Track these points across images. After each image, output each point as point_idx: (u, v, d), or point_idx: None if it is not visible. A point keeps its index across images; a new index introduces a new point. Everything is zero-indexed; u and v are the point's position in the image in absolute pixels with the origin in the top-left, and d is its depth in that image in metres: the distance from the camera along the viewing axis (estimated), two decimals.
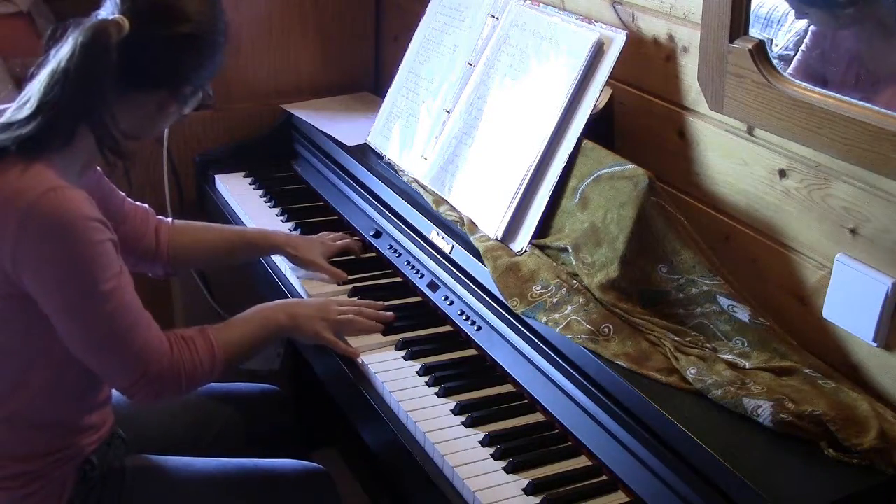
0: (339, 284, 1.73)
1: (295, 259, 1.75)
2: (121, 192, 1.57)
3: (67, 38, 1.23)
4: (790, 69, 1.31)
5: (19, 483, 1.31)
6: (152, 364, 1.29)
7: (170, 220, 1.68)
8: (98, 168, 1.47)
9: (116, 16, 1.25)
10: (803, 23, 1.37)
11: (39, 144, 1.23)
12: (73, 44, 1.22)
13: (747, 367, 1.26)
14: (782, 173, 1.37)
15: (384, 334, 1.57)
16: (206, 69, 1.36)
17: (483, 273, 1.55)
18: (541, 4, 1.73)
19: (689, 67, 1.50)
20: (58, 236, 1.20)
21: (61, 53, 1.23)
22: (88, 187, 1.33)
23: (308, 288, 1.72)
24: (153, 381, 1.30)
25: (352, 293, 1.69)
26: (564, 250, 1.50)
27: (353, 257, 1.84)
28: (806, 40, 1.31)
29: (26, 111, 1.24)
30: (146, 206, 1.65)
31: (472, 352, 1.54)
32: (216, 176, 2.21)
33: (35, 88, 1.24)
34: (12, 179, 1.21)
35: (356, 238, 1.86)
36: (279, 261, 1.83)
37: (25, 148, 1.22)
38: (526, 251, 1.55)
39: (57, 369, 1.30)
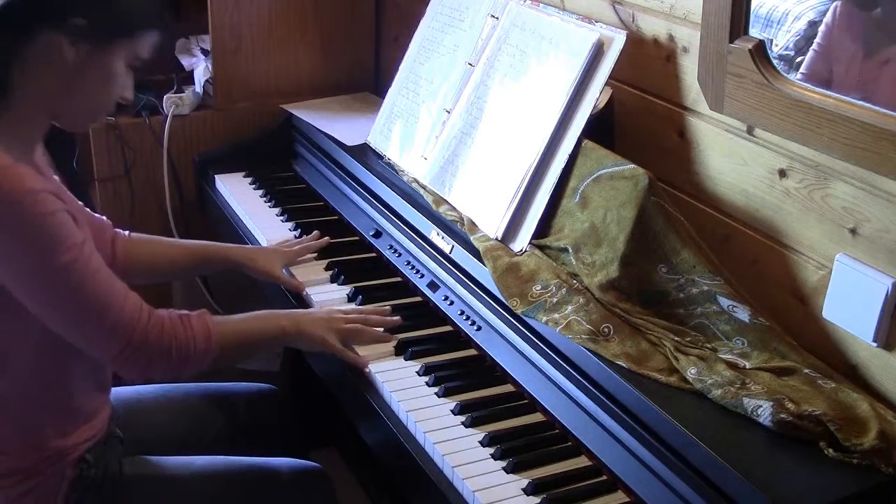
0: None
1: (253, 272, 1.73)
2: (79, 202, 1.48)
3: None
4: (802, 69, 1.30)
5: (14, 481, 1.31)
6: (134, 333, 1.26)
7: (126, 232, 1.65)
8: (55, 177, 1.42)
9: None
10: (804, 23, 1.37)
11: None
12: None
13: (747, 367, 1.26)
14: (782, 173, 1.37)
15: (384, 334, 1.57)
16: None
17: (483, 273, 1.55)
18: (541, 4, 1.73)
19: (689, 67, 1.50)
20: (6, 215, 1.17)
21: None
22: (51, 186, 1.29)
23: (309, 291, 1.72)
24: (139, 351, 1.27)
25: (353, 293, 1.69)
26: (564, 250, 1.50)
27: (353, 257, 1.84)
28: (817, 38, 1.30)
29: None
30: (104, 217, 1.61)
31: (472, 352, 1.54)
32: (216, 176, 2.21)
33: None
34: None
35: (315, 234, 1.86)
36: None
37: None
38: (526, 251, 1.55)
39: (35, 354, 1.28)
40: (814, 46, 1.31)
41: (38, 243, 1.19)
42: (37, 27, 1.21)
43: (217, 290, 2.41)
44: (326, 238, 1.85)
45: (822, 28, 1.30)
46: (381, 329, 1.55)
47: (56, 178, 1.39)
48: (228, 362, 1.41)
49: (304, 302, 1.73)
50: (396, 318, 1.58)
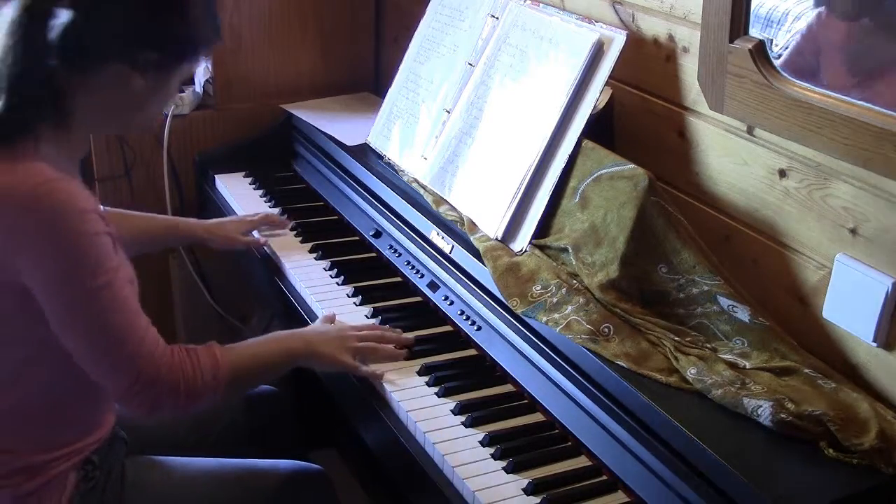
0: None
1: (214, 243, 1.82)
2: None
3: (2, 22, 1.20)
4: (780, 62, 1.30)
5: (20, 480, 1.31)
6: (148, 368, 1.24)
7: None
8: None
9: None
10: (804, 23, 1.37)
11: (17, 131, 1.20)
12: (6, 24, 1.20)
13: (747, 367, 1.26)
14: (782, 173, 1.37)
15: None
16: (168, 30, 1.26)
17: (483, 273, 1.55)
18: (541, 4, 1.73)
19: (689, 67, 1.50)
20: (53, 229, 1.18)
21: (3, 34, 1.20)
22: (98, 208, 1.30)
23: (309, 291, 1.72)
24: (148, 388, 1.25)
25: (353, 293, 1.69)
26: (564, 250, 1.50)
27: (353, 257, 1.84)
28: (802, 30, 1.30)
29: None
30: None
31: (472, 352, 1.54)
32: (216, 176, 2.21)
33: None
34: (7, 171, 1.19)
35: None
36: (278, 260, 1.83)
37: (5, 137, 1.20)
38: (526, 251, 1.55)
39: (58, 363, 1.28)
40: (797, 37, 1.30)
41: (76, 260, 1.19)
42: (107, 61, 1.23)
43: (217, 291, 2.41)
44: (290, 222, 1.93)
45: (804, 28, 1.30)
46: (397, 349, 1.52)
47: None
48: (242, 391, 1.38)
49: (282, 273, 1.80)
50: (411, 337, 1.55)
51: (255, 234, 1.90)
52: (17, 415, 1.32)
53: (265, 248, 1.89)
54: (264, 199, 2.10)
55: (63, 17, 1.20)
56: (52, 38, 1.19)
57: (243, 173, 2.23)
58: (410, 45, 2.02)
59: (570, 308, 1.39)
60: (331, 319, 1.57)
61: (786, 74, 1.30)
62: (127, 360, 1.24)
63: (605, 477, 1.26)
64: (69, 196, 1.19)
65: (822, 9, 1.29)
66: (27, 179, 1.18)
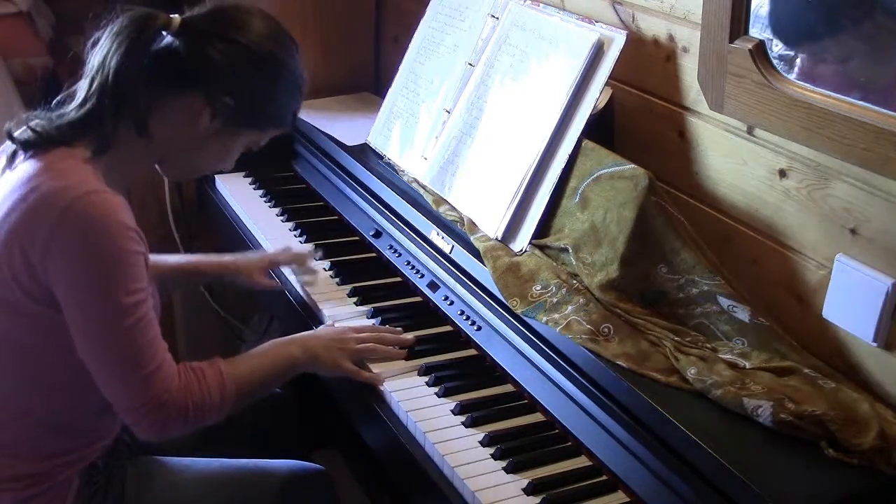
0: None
1: (237, 282, 1.74)
2: None
3: (113, 30, 1.27)
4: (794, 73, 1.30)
5: (24, 484, 1.31)
6: (161, 391, 1.24)
7: None
8: None
9: (174, 16, 1.29)
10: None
11: (84, 137, 1.25)
12: (114, 32, 1.27)
13: (747, 367, 1.26)
14: (782, 173, 1.37)
15: None
16: (252, 88, 1.33)
17: (483, 273, 1.55)
18: (541, 4, 1.73)
19: (689, 67, 1.50)
20: (91, 238, 1.18)
21: (103, 45, 1.27)
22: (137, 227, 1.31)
23: (310, 290, 1.72)
24: (158, 410, 1.25)
25: (351, 293, 1.70)
26: (564, 250, 1.50)
27: (353, 257, 1.84)
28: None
29: (75, 102, 1.28)
30: None
31: (472, 352, 1.54)
32: (216, 176, 2.21)
33: (83, 80, 1.28)
34: (56, 176, 1.21)
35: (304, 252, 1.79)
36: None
37: (70, 141, 1.25)
38: (526, 251, 1.55)
39: (75, 372, 1.27)
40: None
41: (111, 276, 1.19)
42: (192, 87, 1.30)
43: (217, 291, 2.41)
44: (310, 248, 1.83)
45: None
46: (396, 349, 1.52)
47: None
48: (246, 404, 1.37)
49: (282, 274, 1.76)
50: (411, 337, 1.55)
51: (288, 271, 1.80)
52: (23, 423, 1.31)
53: (264, 248, 1.89)
54: (264, 199, 2.11)
55: (167, 40, 1.29)
56: (151, 55, 1.27)
57: (243, 173, 2.23)
58: (410, 45, 2.02)
59: (570, 308, 1.39)
60: (331, 326, 1.57)
61: (787, 75, 1.30)
62: (140, 383, 1.23)
63: (605, 477, 1.26)
64: (112, 209, 1.20)
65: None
66: (77, 186, 1.20)
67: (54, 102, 1.32)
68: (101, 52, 1.27)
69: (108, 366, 1.24)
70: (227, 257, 1.75)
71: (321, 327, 1.56)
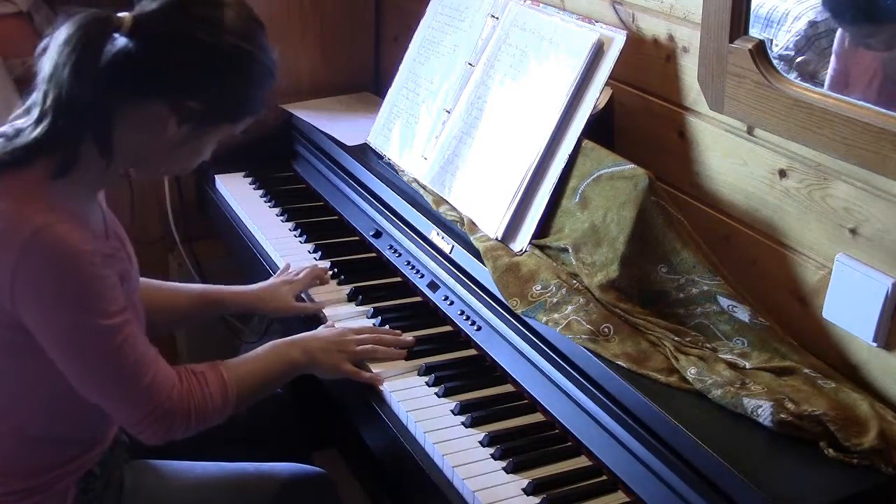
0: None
1: (267, 311, 1.69)
2: (127, 245, 1.44)
3: (60, 39, 1.16)
4: (825, 87, 1.29)
5: (20, 497, 1.30)
6: (162, 399, 1.24)
7: None
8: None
9: (124, 14, 1.18)
10: (804, 23, 1.37)
11: (42, 157, 1.18)
12: (62, 41, 1.16)
13: (747, 367, 1.26)
14: (782, 173, 1.37)
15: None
16: (220, 89, 1.23)
17: (483, 273, 1.55)
18: (541, 4, 1.73)
19: (689, 67, 1.50)
20: (57, 273, 1.15)
21: (51, 55, 1.17)
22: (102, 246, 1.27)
23: (310, 290, 1.72)
24: (162, 418, 1.25)
25: (352, 293, 1.69)
26: (564, 250, 1.50)
27: (353, 257, 1.84)
28: (831, 63, 1.29)
29: (31, 119, 1.20)
30: None
31: (472, 352, 1.54)
32: (216, 176, 2.21)
33: (36, 92, 1.20)
34: (13, 207, 1.15)
35: (321, 267, 1.77)
36: (278, 260, 1.83)
37: (26, 162, 1.18)
38: (526, 251, 1.55)
39: (58, 388, 1.26)
40: (829, 72, 1.30)
41: (85, 306, 1.17)
42: (153, 95, 1.21)
43: None
44: (325, 265, 1.79)
45: (832, 57, 1.29)
46: (396, 350, 1.51)
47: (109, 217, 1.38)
48: (246, 406, 1.37)
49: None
50: (410, 338, 1.54)
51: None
52: (16, 438, 1.30)
53: (264, 248, 1.90)
54: (264, 199, 2.10)
55: (120, 42, 1.18)
56: (105, 63, 1.17)
57: (243, 173, 2.23)
58: (410, 45, 2.02)
59: (570, 308, 1.39)
60: (331, 327, 1.56)
61: (786, 75, 1.30)
62: (140, 395, 1.23)
63: (605, 477, 1.26)
64: (68, 241, 1.15)
65: (841, 35, 1.28)
66: (36, 217, 1.14)
67: (12, 117, 1.23)
68: (49, 63, 1.17)
69: (102, 388, 1.24)
70: (251, 288, 1.69)
71: (320, 328, 1.55)
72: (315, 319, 1.65)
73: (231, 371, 1.34)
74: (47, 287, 1.16)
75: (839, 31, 1.29)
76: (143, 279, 1.57)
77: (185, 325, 1.75)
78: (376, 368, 1.48)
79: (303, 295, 1.73)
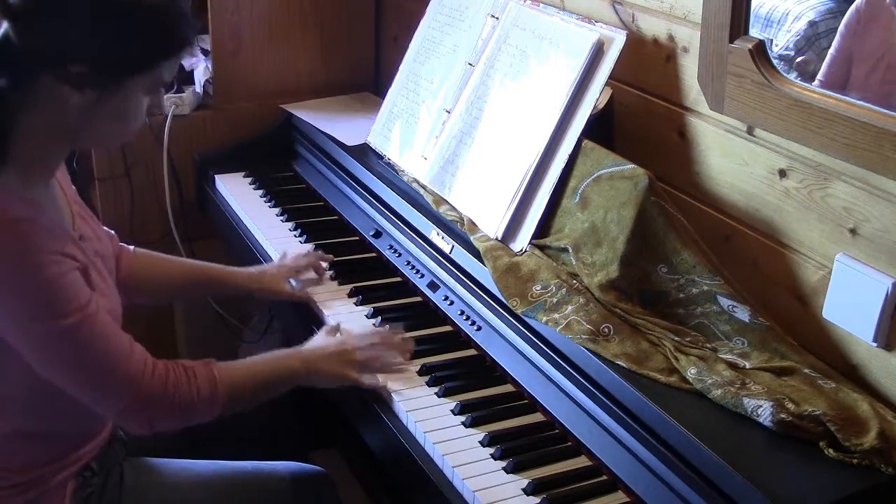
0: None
1: (259, 293, 1.69)
2: (95, 220, 1.44)
3: None
4: (820, 76, 1.29)
5: (18, 491, 1.30)
6: (138, 389, 1.23)
7: (131, 248, 1.59)
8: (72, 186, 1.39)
9: None
10: (804, 23, 1.37)
11: None
12: None
13: (747, 367, 1.26)
14: (782, 173, 1.37)
15: None
16: (95, 41, 1.15)
17: (483, 273, 1.55)
18: (541, 4, 1.73)
19: (689, 67, 1.50)
20: (11, 277, 1.14)
21: None
22: (59, 207, 1.26)
23: (310, 290, 1.72)
24: (143, 407, 1.24)
25: (352, 293, 1.69)
26: (564, 250, 1.50)
27: (353, 256, 1.84)
28: (834, 43, 1.28)
29: None
30: (112, 231, 1.54)
31: (472, 352, 1.54)
32: (216, 176, 2.21)
33: None
34: None
35: (319, 252, 1.77)
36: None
37: None
38: (526, 251, 1.55)
39: (37, 385, 1.25)
40: (831, 51, 1.29)
41: (45, 307, 1.16)
42: (35, 75, 1.15)
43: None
44: (330, 255, 1.79)
45: (837, 36, 1.29)
46: (400, 357, 1.49)
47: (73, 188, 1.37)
48: (240, 409, 1.36)
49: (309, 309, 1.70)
50: (411, 343, 1.50)
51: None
52: (11, 437, 1.30)
53: (264, 248, 1.90)
54: (264, 199, 2.10)
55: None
56: None
57: (243, 173, 2.23)
58: (410, 45, 2.02)
59: (570, 308, 1.39)
60: (334, 331, 1.53)
61: (786, 75, 1.30)
62: (116, 385, 1.23)
63: (605, 477, 1.26)
64: (26, 241, 1.14)
65: (855, 12, 1.28)
66: None
67: None
68: None
69: (78, 382, 1.23)
70: (245, 269, 1.70)
71: (321, 333, 1.52)
72: (315, 320, 1.65)
73: (224, 371, 1.33)
74: (8, 292, 1.15)
75: (855, 4, 1.27)
76: (140, 249, 1.60)
77: (179, 298, 1.74)
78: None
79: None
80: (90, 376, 1.22)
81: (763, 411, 1.16)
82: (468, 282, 1.58)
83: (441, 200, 1.76)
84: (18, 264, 1.14)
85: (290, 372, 1.41)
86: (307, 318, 1.67)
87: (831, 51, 1.29)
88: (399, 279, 1.76)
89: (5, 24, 1.13)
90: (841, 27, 1.29)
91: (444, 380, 1.45)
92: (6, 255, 1.14)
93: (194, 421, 1.30)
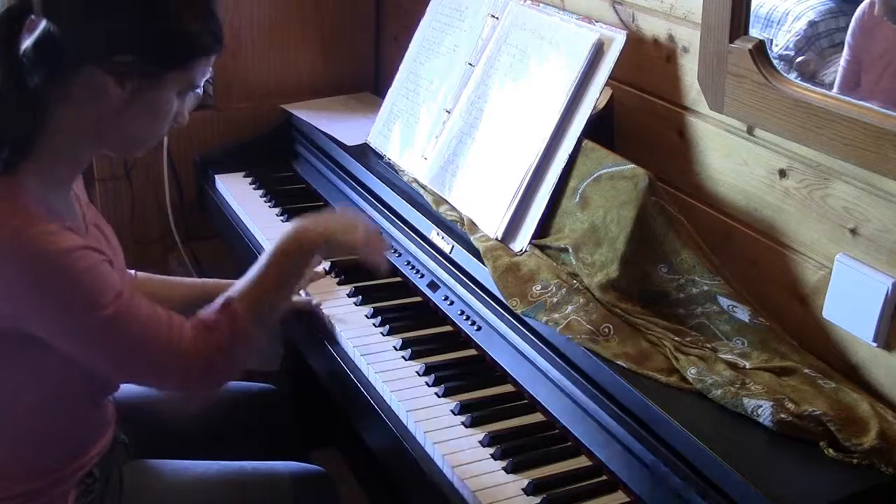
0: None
1: None
2: (109, 231, 1.44)
3: None
4: (836, 84, 1.29)
5: (20, 501, 1.29)
6: (190, 356, 1.24)
7: (132, 272, 1.58)
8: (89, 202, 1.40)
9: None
10: (804, 23, 1.37)
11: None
12: None
13: (747, 367, 1.26)
14: (782, 173, 1.37)
15: (385, 335, 1.57)
16: (141, 32, 1.17)
17: (483, 273, 1.55)
18: (541, 4, 1.73)
19: (689, 67, 1.50)
20: (44, 278, 1.14)
21: None
22: (76, 213, 1.27)
23: (309, 289, 1.72)
24: (203, 372, 1.25)
25: (352, 293, 1.69)
26: (564, 250, 1.50)
27: (352, 256, 1.83)
28: (844, 53, 1.29)
29: None
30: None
31: (472, 352, 1.54)
32: (216, 176, 2.21)
33: None
34: None
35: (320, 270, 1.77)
36: None
37: None
38: (526, 251, 1.55)
39: (48, 391, 1.26)
40: (842, 63, 1.30)
41: (79, 302, 1.16)
42: (79, 65, 1.16)
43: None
44: (325, 265, 1.80)
45: (845, 46, 1.29)
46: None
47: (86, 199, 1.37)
48: (275, 314, 1.37)
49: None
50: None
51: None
52: (11, 445, 1.29)
53: (264, 248, 1.89)
54: (264, 199, 2.11)
55: (38, 26, 1.14)
56: (26, 48, 1.14)
57: (243, 173, 2.23)
58: (410, 45, 2.02)
59: (570, 308, 1.39)
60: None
61: (787, 75, 1.30)
62: (168, 360, 1.24)
63: (605, 477, 1.26)
64: (50, 241, 1.14)
65: (857, 22, 1.28)
66: (7, 224, 1.13)
67: None
68: None
69: (128, 368, 1.25)
70: None
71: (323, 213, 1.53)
72: (315, 320, 1.65)
73: (242, 302, 1.33)
74: (39, 293, 1.15)
75: (857, 14, 1.28)
76: (141, 273, 1.59)
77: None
78: (368, 359, 1.49)
79: (301, 294, 1.72)
80: (139, 359, 1.23)
81: (763, 411, 1.16)
82: (468, 282, 1.58)
83: (441, 200, 1.76)
84: (49, 267, 1.14)
85: (288, 256, 1.41)
86: (307, 318, 1.67)
87: (842, 62, 1.30)
88: (399, 279, 1.76)
89: (44, 22, 1.14)
90: (847, 37, 1.29)
91: (444, 380, 1.45)
92: (35, 261, 1.14)
93: (243, 363, 1.32)
